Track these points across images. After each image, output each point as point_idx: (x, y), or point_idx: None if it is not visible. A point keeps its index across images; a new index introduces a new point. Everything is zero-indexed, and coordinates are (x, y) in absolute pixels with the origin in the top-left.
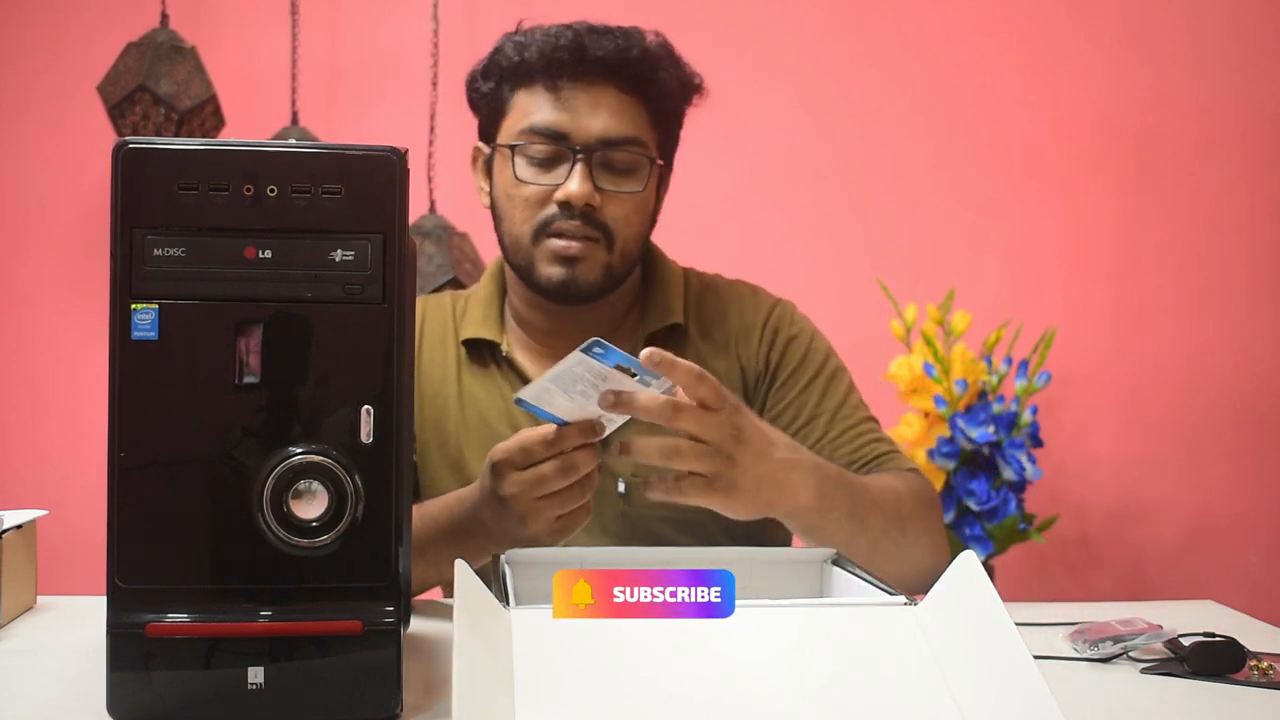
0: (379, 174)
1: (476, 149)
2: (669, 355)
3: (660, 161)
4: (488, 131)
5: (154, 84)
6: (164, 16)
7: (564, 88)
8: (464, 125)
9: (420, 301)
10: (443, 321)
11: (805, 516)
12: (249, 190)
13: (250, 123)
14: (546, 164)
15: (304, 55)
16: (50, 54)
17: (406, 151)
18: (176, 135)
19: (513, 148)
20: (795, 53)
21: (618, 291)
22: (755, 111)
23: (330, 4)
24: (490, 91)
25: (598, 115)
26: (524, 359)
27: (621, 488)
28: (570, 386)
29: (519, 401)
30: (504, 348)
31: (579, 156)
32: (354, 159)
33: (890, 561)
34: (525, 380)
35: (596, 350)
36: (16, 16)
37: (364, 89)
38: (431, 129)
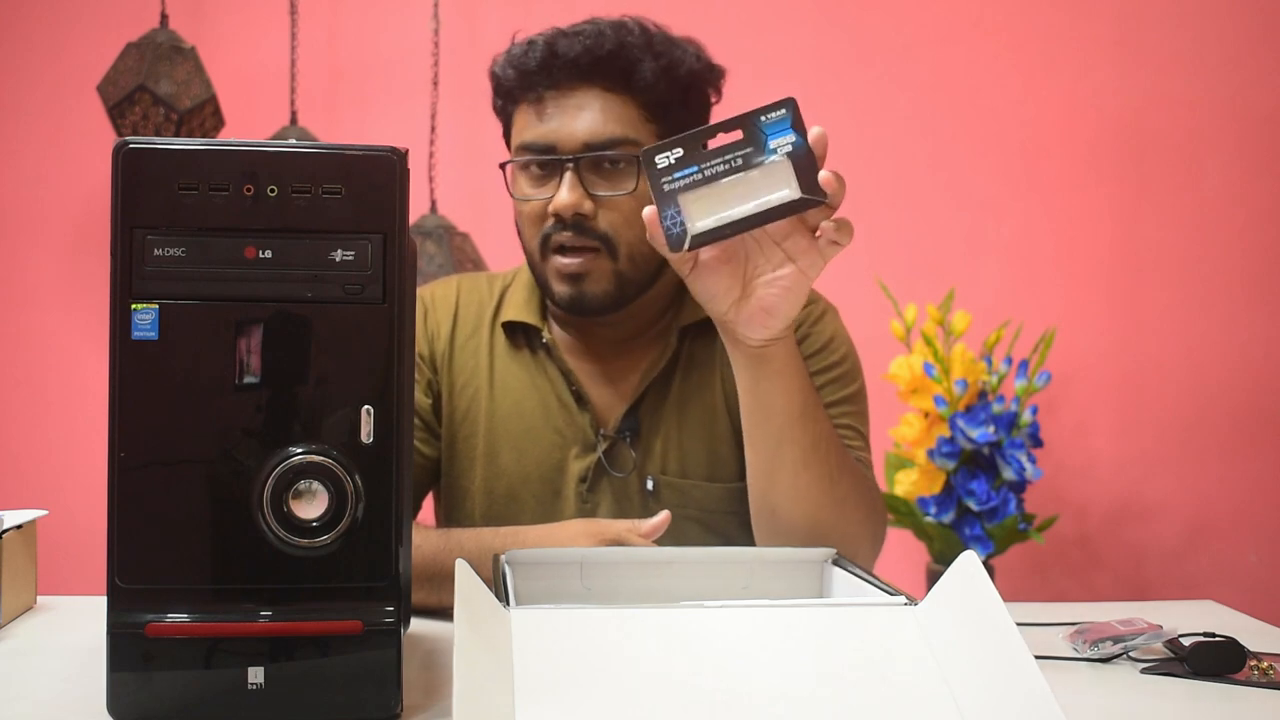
0: (379, 174)
1: (502, 166)
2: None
3: None
4: (507, 148)
5: (154, 84)
6: (164, 16)
7: (547, 98)
8: (465, 125)
9: (453, 281)
10: (479, 304)
11: (766, 353)
12: (249, 190)
13: (250, 123)
14: (541, 178)
15: (304, 55)
16: (50, 54)
17: (407, 151)
18: (176, 135)
19: (506, 166)
20: (795, 53)
21: (652, 293)
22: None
23: (330, 4)
24: (500, 109)
25: (581, 120)
26: (565, 349)
27: (650, 485)
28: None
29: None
30: (545, 335)
31: (568, 166)
32: (354, 159)
33: (807, 491)
34: (564, 371)
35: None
36: (16, 16)
37: (364, 89)
38: (433, 129)
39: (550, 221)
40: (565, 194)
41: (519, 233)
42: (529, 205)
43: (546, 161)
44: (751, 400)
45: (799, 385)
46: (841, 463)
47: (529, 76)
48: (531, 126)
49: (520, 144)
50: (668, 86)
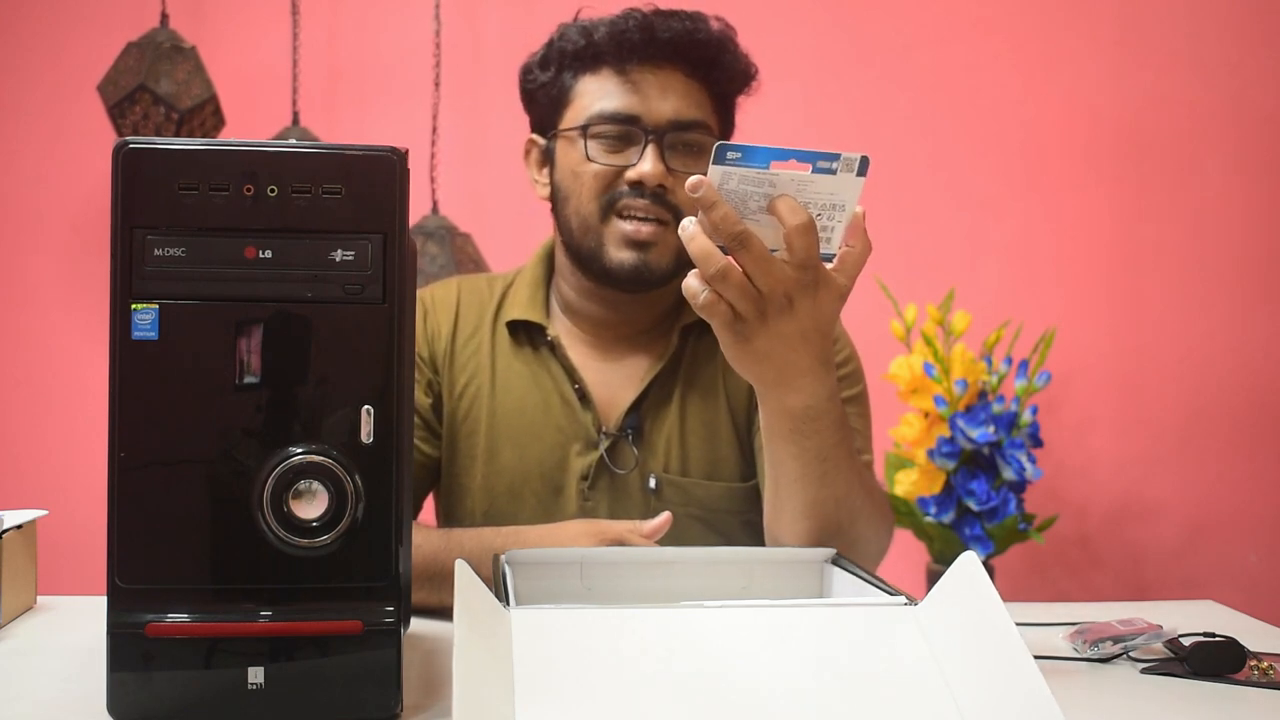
0: (379, 174)
1: (530, 141)
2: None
3: None
4: (546, 122)
5: (154, 84)
6: (164, 16)
7: (632, 71)
8: (467, 126)
9: (453, 282)
10: (480, 305)
11: (780, 417)
12: (249, 190)
13: (250, 123)
14: (617, 146)
15: (305, 55)
16: (50, 54)
17: (407, 152)
18: (176, 135)
19: (584, 129)
20: (795, 53)
21: (662, 289)
22: (754, 111)
23: (331, 4)
24: (549, 81)
25: (667, 98)
26: (569, 346)
27: (652, 483)
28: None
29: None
30: (550, 332)
31: (650, 138)
32: (354, 159)
33: (823, 527)
34: (567, 369)
35: (730, 156)
36: (16, 16)
37: (365, 89)
38: (434, 129)
39: (621, 187)
40: (651, 164)
41: (565, 197)
42: (596, 167)
43: (631, 131)
44: (798, 466)
45: (843, 435)
46: (868, 489)
47: (626, 46)
48: (613, 96)
49: (597, 113)
50: (738, 83)
